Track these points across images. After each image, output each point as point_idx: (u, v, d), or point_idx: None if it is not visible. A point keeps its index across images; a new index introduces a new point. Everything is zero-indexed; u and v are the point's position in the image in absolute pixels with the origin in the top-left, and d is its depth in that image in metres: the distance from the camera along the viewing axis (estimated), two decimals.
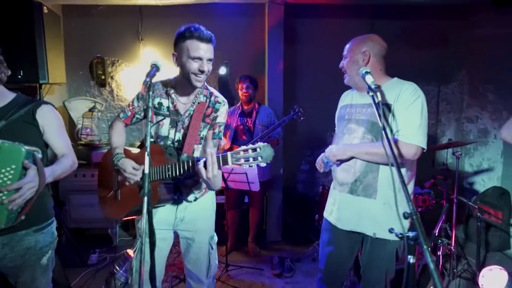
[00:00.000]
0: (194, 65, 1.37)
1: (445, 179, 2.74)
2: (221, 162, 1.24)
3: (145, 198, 1.15)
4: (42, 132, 1.38)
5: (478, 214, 2.38)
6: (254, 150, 1.19)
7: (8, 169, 1.13)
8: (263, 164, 1.21)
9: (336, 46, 3.76)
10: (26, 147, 1.16)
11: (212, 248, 1.63)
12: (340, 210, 1.54)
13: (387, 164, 1.40)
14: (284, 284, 2.48)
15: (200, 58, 1.37)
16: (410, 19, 3.57)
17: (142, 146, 1.76)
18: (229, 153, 1.23)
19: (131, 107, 1.57)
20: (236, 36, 3.48)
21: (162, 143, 1.51)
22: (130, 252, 2.45)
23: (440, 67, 3.79)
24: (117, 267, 2.31)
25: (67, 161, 1.38)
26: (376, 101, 1.27)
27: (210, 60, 1.41)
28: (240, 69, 3.44)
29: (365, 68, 1.40)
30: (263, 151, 1.19)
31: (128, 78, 3.51)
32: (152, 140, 1.54)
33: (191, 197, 1.52)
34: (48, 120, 1.39)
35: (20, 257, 1.31)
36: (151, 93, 1.27)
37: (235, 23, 3.47)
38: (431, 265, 0.84)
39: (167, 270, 2.61)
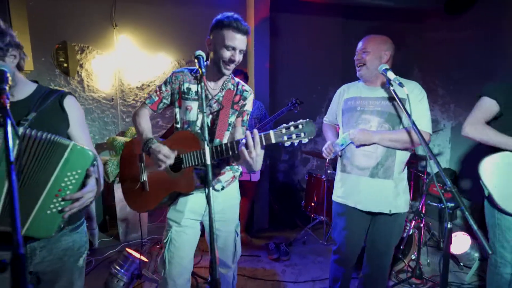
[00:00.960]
0: (227, 54, 1.40)
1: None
2: (263, 140, 1.24)
3: (209, 188, 1.14)
4: (68, 125, 1.27)
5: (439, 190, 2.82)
6: (296, 127, 1.21)
7: (74, 173, 1.06)
8: (305, 140, 1.21)
9: (313, 42, 4.04)
10: (91, 152, 1.10)
11: (237, 235, 1.67)
12: (361, 193, 1.70)
13: (403, 149, 1.63)
14: (284, 267, 2.63)
15: (234, 48, 1.39)
16: (375, 20, 3.94)
17: (166, 135, 1.72)
18: (271, 131, 1.24)
19: (158, 92, 1.53)
20: None
21: (189, 129, 1.50)
22: (130, 250, 2.34)
23: (398, 65, 4.25)
24: (117, 267, 2.20)
25: (100, 161, 1.30)
26: (399, 96, 1.47)
27: (242, 51, 1.43)
28: None
29: (384, 65, 1.58)
30: (306, 127, 1.20)
31: (100, 67, 3.23)
32: (178, 126, 1.53)
33: (218, 186, 1.54)
34: (75, 112, 1.28)
35: (59, 259, 1.21)
36: (202, 84, 1.26)
37: (216, 14, 3.43)
38: (475, 227, 1.06)
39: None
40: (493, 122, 1.59)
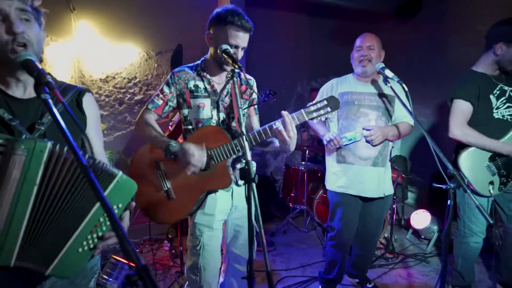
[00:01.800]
0: (230, 51, 1.33)
1: None
2: (296, 120, 1.30)
3: (252, 184, 1.15)
4: (85, 127, 1.11)
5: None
6: (322, 101, 1.32)
7: (115, 207, 0.93)
8: (331, 115, 1.32)
9: (282, 38, 4.12)
10: (135, 182, 0.97)
11: (257, 231, 1.69)
12: (365, 182, 1.86)
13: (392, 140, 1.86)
14: (272, 257, 2.72)
15: (236, 46, 1.36)
16: (336, 19, 4.20)
17: (173, 133, 1.63)
18: (302, 110, 1.32)
19: (161, 95, 1.44)
20: (189, 18, 3.30)
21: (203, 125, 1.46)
22: (117, 257, 2.16)
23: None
24: (105, 277, 2.03)
25: None
26: (385, 92, 1.67)
27: (244, 48, 1.41)
28: (193, 53, 3.31)
29: (381, 63, 1.74)
30: (331, 102, 1.31)
31: (56, 55, 2.84)
32: (190, 127, 1.47)
33: (241, 181, 1.54)
34: (93, 112, 1.14)
35: (71, 283, 1.06)
36: (235, 79, 1.24)
37: (187, 3, 3.29)
38: (476, 202, 1.27)
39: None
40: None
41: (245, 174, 1.11)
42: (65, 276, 0.93)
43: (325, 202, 2.93)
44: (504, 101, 1.77)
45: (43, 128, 0.95)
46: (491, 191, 1.74)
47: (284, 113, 1.27)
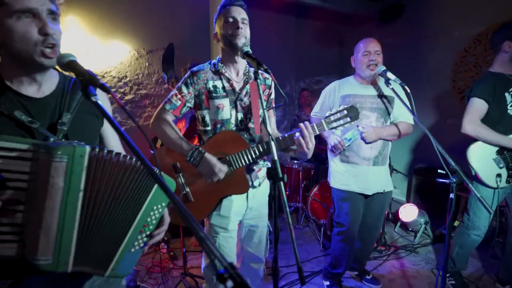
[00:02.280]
0: (230, 26, 1.35)
1: None
2: (317, 130, 1.34)
3: (281, 185, 1.17)
4: (102, 124, 1.09)
5: None
6: (342, 111, 1.36)
7: (159, 206, 0.93)
8: (351, 124, 1.37)
9: (270, 37, 4.16)
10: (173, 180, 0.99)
11: (270, 230, 1.72)
12: (368, 180, 1.95)
13: (391, 140, 1.97)
14: (271, 254, 2.75)
15: (233, 18, 1.35)
16: (321, 21, 4.33)
17: (189, 136, 1.62)
18: (322, 120, 1.36)
19: (180, 96, 1.41)
20: (180, 16, 3.26)
21: (223, 128, 1.45)
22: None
23: (339, 63, 4.81)
24: None
25: None
26: (386, 94, 1.77)
27: (244, 19, 1.38)
28: (184, 52, 3.28)
29: (383, 66, 1.84)
30: (351, 112, 1.35)
31: None
32: (208, 128, 1.47)
33: (256, 183, 1.55)
34: (107, 106, 1.13)
35: (105, 281, 1.06)
36: (259, 81, 1.25)
37: (179, 1, 3.24)
38: (478, 195, 1.39)
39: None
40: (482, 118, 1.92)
41: (272, 174, 1.14)
42: (121, 276, 0.92)
43: (320, 199, 3.02)
44: None
45: (65, 128, 0.92)
46: (498, 183, 1.87)
47: (303, 125, 1.30)
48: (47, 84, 0.94)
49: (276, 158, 1.18)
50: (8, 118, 0.84)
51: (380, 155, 1.95)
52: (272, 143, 1.20)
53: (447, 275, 2.27)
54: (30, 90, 0.90)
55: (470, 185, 1.44)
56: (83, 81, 0.78)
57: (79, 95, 1.00)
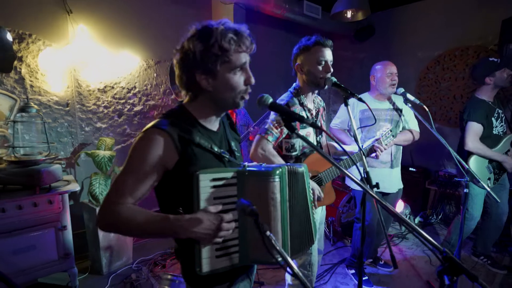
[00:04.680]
0: (320, 68, 1.59)
1: None
2: (382, 144, 1.74)
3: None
4: None
5: None
6: (391, 131, 1.79)
7: (310, 188, 1.14)
8: (393, 138, 1.80)
9: (264, 51, 4.38)
10: None
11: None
12: (386, 181, 2.34)
13: (404, 145, 2.40)
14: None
15: (326, 61, 1.60)
16: (306, 35, 4.71)
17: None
18: (380, 139, 1.77)
19: (279, 129, 1.56)
20: (185, 27, 3.30)
21: (308, 150, 1.70)
22: (170, 273, 2.11)
23: None
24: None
25: None
26: (399, 107, 2.24)
27: (331, 61, 1.64)
28: None
29: (402, 88, 2.24)
30: (393, 131, 1.79)
31: (50, 62, 2.52)
32: (294, 153, 1.68)
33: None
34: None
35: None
36: (323, 103, 1.51)
37: (186, 14, 3.28)
38: (488, 188, 1.86)
39: None
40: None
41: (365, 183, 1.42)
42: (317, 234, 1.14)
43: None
44: (499, 121, 2.46)
45: (238, 154, 1.12)
46: (489, 185, 2.42)
47: (377, 144, 1.72)
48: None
49: (367, 169, 1.46)
50: (207, 151, 0.99)
51: (395, 158, 2.37)
52: (364, 156, 1.49)
53: (481, 257, 2.77)
54: (213, 126, 1.06)
55: (482, 182, 1.89)
56: (285, 119, 0.96)
57: (227, 123, 1.19)
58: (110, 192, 0.90)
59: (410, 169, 4.01)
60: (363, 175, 1.42)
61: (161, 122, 0.94)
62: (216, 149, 0.99)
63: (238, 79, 0.96)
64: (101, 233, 2.52)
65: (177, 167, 0.92)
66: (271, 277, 2.58)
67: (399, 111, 2.41)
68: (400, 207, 3.52)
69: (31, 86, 2.45)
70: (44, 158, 2.12)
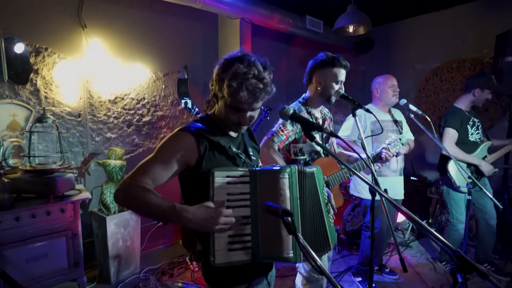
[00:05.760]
0: (336, 87, 1.71)
1: None
2: (390, 151, 1.82)
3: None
4: None
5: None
6: (400, 139, 1.87)
7: (325, 189, 1.21)
8: (403, 146, 1.89)
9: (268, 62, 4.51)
10: None
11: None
12: (395, 189, 2.41)
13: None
14: None
15: (341, 82, 1.73)
16: (306, 48, 4.86)
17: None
18: (388, 146, 1.84)
19: (285, 132, 1.66)
20: (192, 40, 3.42)
21: (315, 155, 1.77)
22: (181, 281, 2.15)
23: None
24: None
25: None
26: (397, 119, 2.34)
27: (343, 82, 1.76)
28: (195, 75, 3.44)
29: (404, 99, 2.34)
30: (403, 139, 1.88)
31: (64, 74, 2.60)
32: (303, 157, 1.75)
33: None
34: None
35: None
36: (330, 114, 1.59)
37: (189, 27, 3.40)
38: (488, 193, 1.92)
39: None
40: None
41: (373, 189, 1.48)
42: (335, 242, 1.17)
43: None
44: (475, 128, 2.59)
45: (254, 158, 1.22)
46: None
47: (385, 151, 1.80)
48: None
49: (376, 177, 1.53)
50: (224, 152, 1.10)
51: (401, 166, 2.45)
52: (372, 165, 1.56)
53: (443, 263, 2.85)
54: (233, 133, 1.17)
55: (483, 188, 1.96)
56: (305, 128, 1.04)
57: (247, 135, 1.30)
58: (134, 171, 1.01)
59: (411, 178, 4.08)
60: (371, 181, 1.49)
61: (190, 125, 1.08)
62: (234, 149, 1.10)
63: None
64: (110, 242, 2.55)
65: (197, 164, 1.03)
66: (280, 285, 2.60)
67: (400, 122, 2.50)
68: (402, 216, 3.56)
69: (46, 97, 2.53)
70: (58, 167, 2.17)
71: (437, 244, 2.81)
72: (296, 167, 1.05)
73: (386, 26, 4.54)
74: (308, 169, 1.11)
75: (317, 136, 1.74)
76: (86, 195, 2.33)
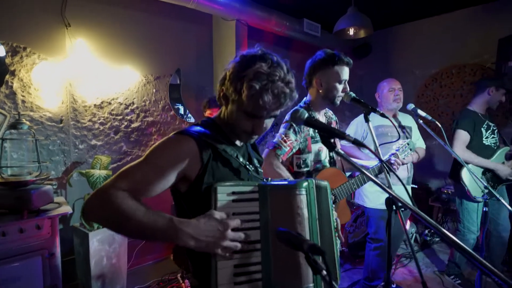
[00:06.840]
0: (340, 87, 1.56)
1: None
2: (399, 157, 1.65)
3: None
4: None
5: None
6: (408, 144, 1.72)
7: (333, 207, 1.04)
8: (411, 152, 1.74)
9: None
10: None
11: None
12: (406, 198, 2.25)
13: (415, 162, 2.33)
14: None
15: (345, 81, 1.57)
16: (306, 53, 4.73)
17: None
18: (397, 152, 1.68)
19: (288, 142, 1.48)
20: (185, 43, 3.25)
21: (320, 166, 1.60)
22: None
23: None
24: None
25: None
26: (404, 124, 2.21)
27: (347, 81, 1.61)
28: (189, 79, 3.26)
29: (412, 104, 2.20)
30: (411, 144, 1.72)
31: (45, 77, 2.38)
32: (306, 169, 1.57)
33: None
34: None
35: None
36: (333, 118, 1.43)
37: (188, 29, 3.23)
38: (494, 191, 1.78)
39: None
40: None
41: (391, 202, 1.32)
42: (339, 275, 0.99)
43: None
44: (490, 132, 2.45)
45: (260, 170, 1.09)
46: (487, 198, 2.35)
47: (394, 157, 1.65)
48: None
49: (391, 185, 1.37)
50: (229, 163, 0.93)
51: (409, 175, 2.29)
52: (387, 173, 1.40)
53: (451, 276, 2.69)
54: (239, 142, 1.01)
55: (501, 199, 1.80)
56: (324, 136, 0.87)
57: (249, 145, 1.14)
58: (116, 177, 0.77)
59: (412, 185, 3.94)
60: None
61: (190, 128, 0.91)
62: (241, 159, 0.93)
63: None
64: (92, 260, 2.31)
65: (198, 178, 0.85)
66: None
67: (408, 128, 2.36)
68: (407, 225, 3.42)
69: (23, 101, 2.30)
70: (34, 178, 1.95)
71: (458, 250, 2.65)
72: (314, 181, 0.89)
73: (384, 31, 4.46)
74: (322, 183, 0.94)
75: (323, 147, 1.58)
76: (66, 209, 2.10)
